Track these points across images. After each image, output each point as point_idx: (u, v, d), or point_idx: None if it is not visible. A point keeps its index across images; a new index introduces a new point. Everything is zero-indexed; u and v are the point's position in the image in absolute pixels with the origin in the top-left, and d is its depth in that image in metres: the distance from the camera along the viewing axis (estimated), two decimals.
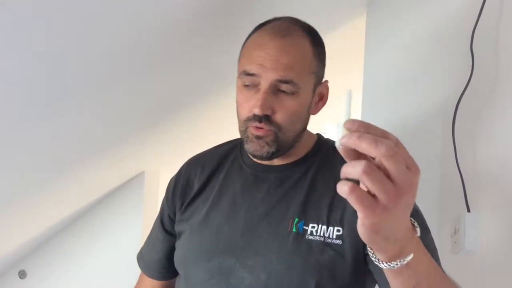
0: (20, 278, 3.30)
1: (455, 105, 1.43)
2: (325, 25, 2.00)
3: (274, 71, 1.08)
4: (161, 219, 1.32)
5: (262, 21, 1.18)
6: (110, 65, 1.88)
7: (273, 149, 1.13)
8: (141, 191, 3.00)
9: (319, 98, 1.19)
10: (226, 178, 1.24)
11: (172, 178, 1.32)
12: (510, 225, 1.28)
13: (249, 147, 1.15)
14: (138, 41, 1.79)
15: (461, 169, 1.39)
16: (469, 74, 1.41)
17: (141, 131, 2.51)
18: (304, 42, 1.12)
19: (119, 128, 2.37)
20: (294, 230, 1.11)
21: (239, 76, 1.14)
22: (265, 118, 1.10)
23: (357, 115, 2.07)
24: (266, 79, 1.09)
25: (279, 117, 1.11)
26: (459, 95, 1.42)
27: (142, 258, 1.37)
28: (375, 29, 2.02)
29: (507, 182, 1.30)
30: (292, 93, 1.10)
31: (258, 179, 1.20)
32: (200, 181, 1.25)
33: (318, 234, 1.10)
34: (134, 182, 3.04)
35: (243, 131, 1.15)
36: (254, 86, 1.11)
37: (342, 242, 1.09)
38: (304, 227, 1.11)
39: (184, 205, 1.25)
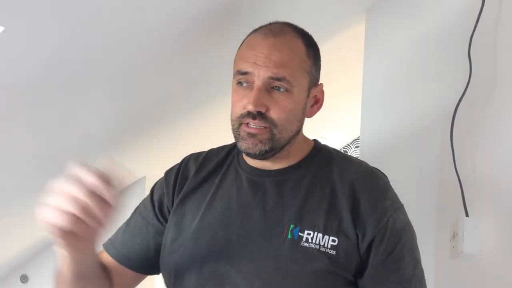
0: (22, 282, 3.30)
1: (453, 110, 1.44)
2: (324, 32, 2.02)
3: (266, 69, 1.10)
4: (159, 208, 1.24)
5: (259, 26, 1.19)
6: (112, 68, 1.89)
7: (266, 148, 1.12)
8: (142, 196, 2.99)
9: (314, 101, 1.19)
10: (221, 182, 1.21)
11: (173, 168, 1.27)
12: (509, 229, 1.29)
13: (241, 145, 1.13)
14: (140, 44, 1.80)
15: (459, 173, 1.40)
16: (467, 80, 1.42)
17: (143, 136, 2.52)
18: (296, 41, 1.14)
19: (121, 132, 2.38)
20: (289, 236, 1.10)
21: (234, 76, 1.15)
22: (259, 115, 1.10)
23: (357, 120, 2.08)
24: (259, 76, 1.10)
25: (273, 114, 1.11)
26: (457, 100, 1.44)
27: (112, 244, 1.26)
28: (374, 36, 2.03)
29: (505, 186, 1.30)
30: (286, 91, 1.11)
31: (253, 184, 1.17)
32: (194, 181, 1.22)
33: (313, 241, 1.09)
34: (135, 186, 3.03)
35: (235, 129, 1.14)
36: (248, 85, 1.12)
37: (336, 253, 1.09)
38: (300, 234, 1.10)
39: (177, 201, 1.21)
